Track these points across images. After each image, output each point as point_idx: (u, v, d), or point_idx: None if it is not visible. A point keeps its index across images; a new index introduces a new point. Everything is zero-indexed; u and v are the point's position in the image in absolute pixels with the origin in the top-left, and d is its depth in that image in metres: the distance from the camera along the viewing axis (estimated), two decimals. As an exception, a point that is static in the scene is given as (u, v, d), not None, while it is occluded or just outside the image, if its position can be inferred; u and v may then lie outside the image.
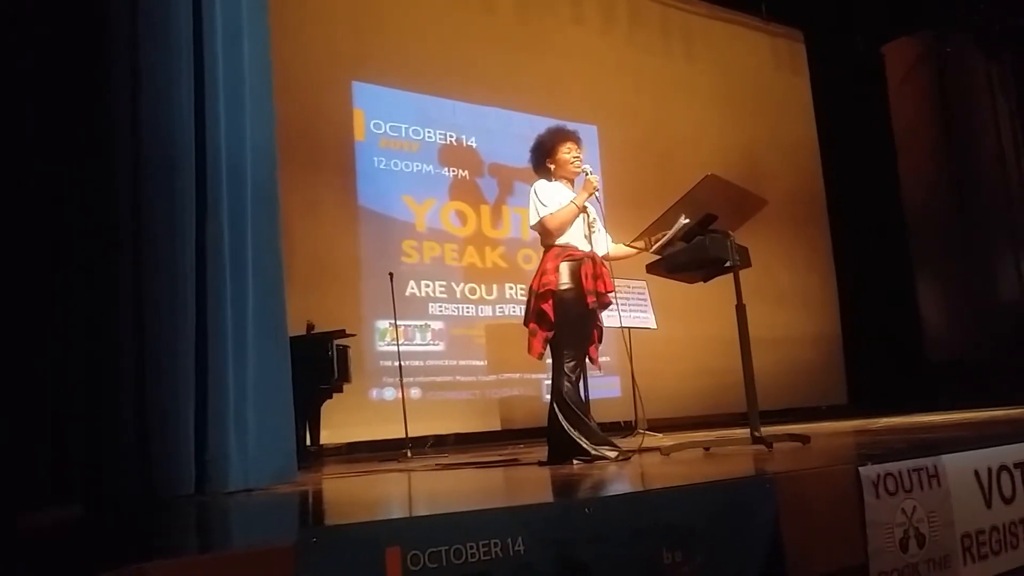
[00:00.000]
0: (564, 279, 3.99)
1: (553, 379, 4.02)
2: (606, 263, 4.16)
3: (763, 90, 11.10)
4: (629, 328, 7.49)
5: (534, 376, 8.39)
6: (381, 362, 7.49)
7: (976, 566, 2.84)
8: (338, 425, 6.75)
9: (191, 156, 3.61)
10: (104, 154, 3.51)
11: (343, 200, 7.67)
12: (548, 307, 3.96)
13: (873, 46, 11.41)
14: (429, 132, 8.19)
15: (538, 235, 4.28)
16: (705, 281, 4.28)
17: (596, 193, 4.14)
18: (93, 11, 3.60)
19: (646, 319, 7.59)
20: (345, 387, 6.39)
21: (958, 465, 2.93)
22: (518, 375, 8.14)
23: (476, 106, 8.48)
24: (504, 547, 1.94)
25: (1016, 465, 3.09)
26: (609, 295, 4.10)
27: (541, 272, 4.08)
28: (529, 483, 3.30)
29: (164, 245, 3.51)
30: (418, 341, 7.57)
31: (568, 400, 3.94)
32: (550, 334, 3.99)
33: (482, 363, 8.05)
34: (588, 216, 4.17)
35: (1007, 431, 4.00)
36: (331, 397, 6.29)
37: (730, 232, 4.07)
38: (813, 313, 10.89)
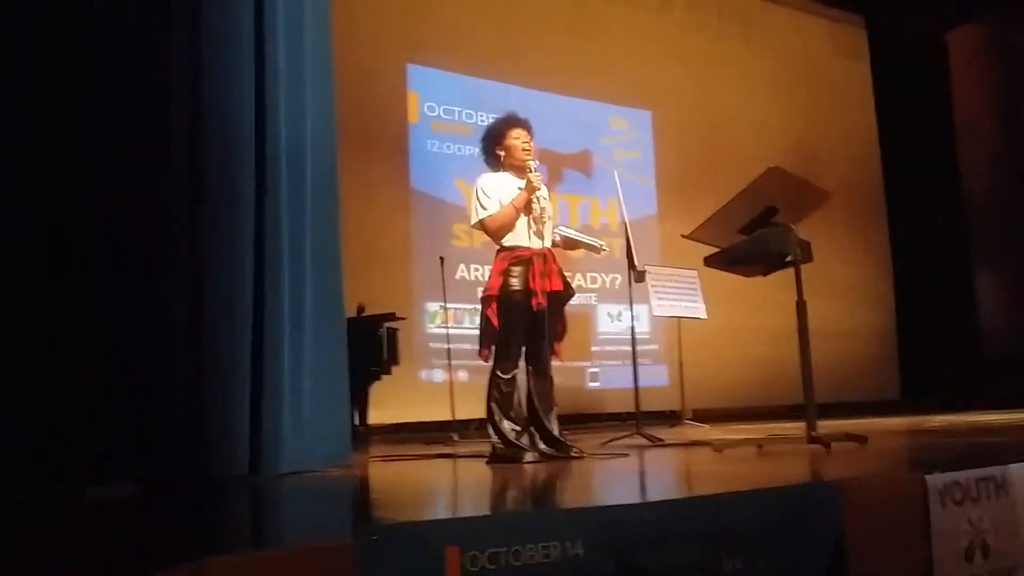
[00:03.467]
0: (511, 281, 3.89)
1: (489, 378, 3.97)
2: (555, 260, 4.04)
3: (821, 76, 10.87)
4: (679, 317, 7.45)
5: (578, 364, 8.37)
6: (430, 344, 7.52)
7: (1043, 578, 2.75)
8: (386, 406, 6.79)
9: (251, 140, 3.62)
10: (164, 139, 3.53)
11: (396, 183, 7.69)
12: (491, 312, 3.91)
13: (936, 33, 11.09)
14: (482, 115, 8.13)
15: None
16: (765, 275, 4.19)
17: (537, 195, 3.97)
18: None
19: (696, 309, 7.51)
20: (394, 369, 6.43)
21: (1026, 475, 2.84)
22: (561, 363, 8.07)
23: (529, 90, 8.41)
24: (563, 550, 1.91)
25: (1087, 476, 2.98)
26: (562, 292, 4.01)
27: (489, 276, 4.02)
28: (584, 478, 3.27)
29: (223, 228, 3.54)
30: (467, 324, 7.56)
31: (493, 399, 3.91)
32: (494, 337, 3.93)
33: (529, 348, 8.01)
34: (535, 210, 3.99)
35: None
36: (380, 379, 6.34)
37: (792, 225, 3.98)
38: (867, 306, 10.69)
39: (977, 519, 2.66)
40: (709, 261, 4.17)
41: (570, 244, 4.35)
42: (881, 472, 2.77)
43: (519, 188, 4.00)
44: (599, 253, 4.55)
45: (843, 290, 10.08)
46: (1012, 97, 10.60)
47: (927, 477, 2.57)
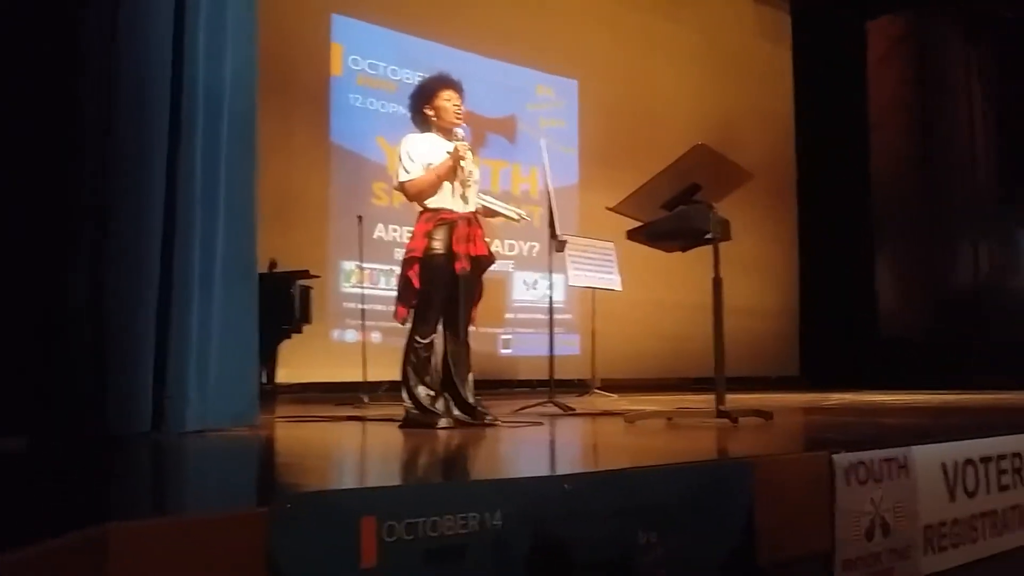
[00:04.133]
0: (434, 244, 3.82)
1: (406, 341, 3.93)
2: (480, 224, 4.01)
3: (745, 57, 11.02)
4: (594, 288, 7.50)
5: (492, 330, 8.36)
6: (344, 304, 7.39)
7: (936, 557, 2.87)
8: (296, 364, 6.66)
9: (167, 81, 3.43)
10: (74, 73, 3.32)
11: (315, 136, 7.48)
12: (413, 274, 3.83)
13: (857, 21, 11.36)
14: (407, 73, 7.97)
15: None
16: (683, 251, 4.23)
17: (462, 162, 3.90)
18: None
19: (612, 280, 7.57)
20: (305, 328, 6.29)
21: (927, 457, 2.94)
22: (474, 328, 8.06)
23: (458, 51, 8.25)
24: (482, 521, 1.88)
25: (982, 460, 3.12)
26: (485, 257, 3.96)
27: (411, 237, 3.93)
28: (497, 449, 3.25)
29: (132, 171, 3.36)
30: (383, 285, 7.45)
31: (409, 363, 3.86)
32: (414, 301, 3.88)
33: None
34: (461, 173, 3.92)
35: (972, 423, 4.05)
36: (290, 337, 6.20)
37: (713, 203, 4.01)
38: (773, 284, 10.98)
39: (879, 499, 2.75)
40: (632, 234, 4.17)
41: (489, 212, 4.27)
42: (789, 450, 2.82)
43: (447, 152, 3.91)
44: (518, 222, 4.50)
45: (750, 267, 10.29)
46: (924, 90, 10.96)
47: (834, 456, 2.63)
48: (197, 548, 1.55)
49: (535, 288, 8.74)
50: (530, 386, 8.10)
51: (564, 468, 2.76)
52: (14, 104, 3.29)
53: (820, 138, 11.11)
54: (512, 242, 8.74)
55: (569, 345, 8.70)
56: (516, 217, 4.37)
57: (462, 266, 3.82)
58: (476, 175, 4.06)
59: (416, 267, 3.83)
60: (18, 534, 1.49)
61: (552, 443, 3.46)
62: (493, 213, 4.30)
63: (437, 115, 3.99)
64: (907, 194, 10.94)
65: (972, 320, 10.24)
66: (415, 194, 3.91)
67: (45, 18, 3.34)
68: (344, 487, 2.15)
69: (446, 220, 3.87)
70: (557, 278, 7.71)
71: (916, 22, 10.98)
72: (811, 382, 10.10)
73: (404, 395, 3.89)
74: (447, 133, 3.98)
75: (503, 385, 8.30)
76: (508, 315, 8.70)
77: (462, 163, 3.92)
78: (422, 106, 4.02)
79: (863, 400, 6.48)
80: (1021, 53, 10.30)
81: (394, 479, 2.46)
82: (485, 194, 4.39)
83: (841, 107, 11.10)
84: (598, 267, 7.51)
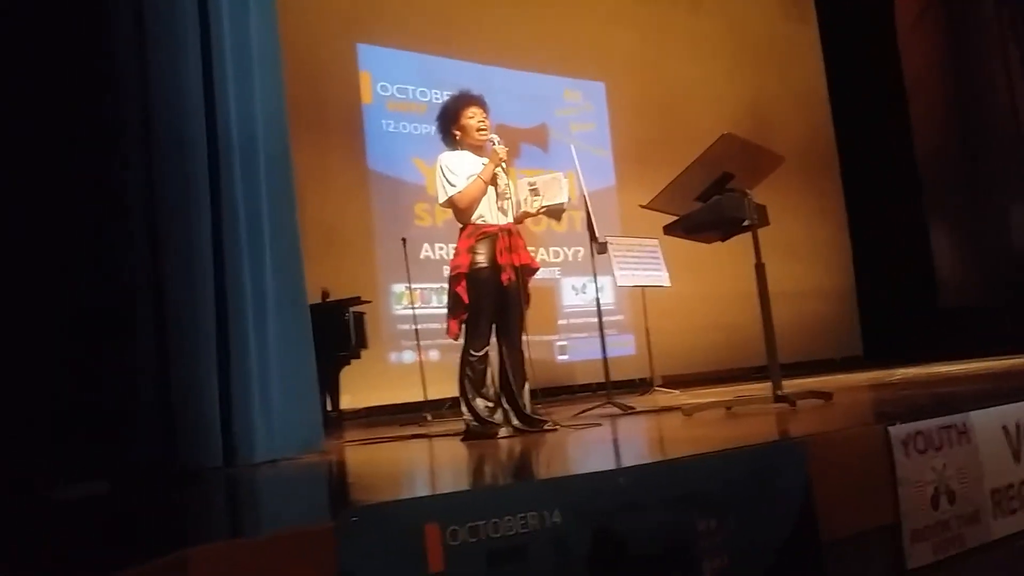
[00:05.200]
0: (478, 258, 3.90)
1: (461, 355, 3.99)
2: (521, 234, 4.07)
3: (770, 40, 10.94)
4: (643, 287, 7.51)
5: (547, 337, 8.42)
6: (399, 326, 7.51)
7: (1006, 520, 2.85)
8: (358, 390, 6.79)
9: (202, 131, 3.59)
10: (114, 132, 3.48)
11: (352, 165, 7.64)
12: (461, 289, 3.90)
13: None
14: (436, 93, 8.08)
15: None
16: (723, 240, 4.24)
17: (503, 165, 4.00)
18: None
19: (659, 277, 7.57)
20: (363, 352, 6.42)
21: (986, 421, 2.92)
22: (530, 337, 8.10)
23: (482, 66, 8.36)
24: (541, 519, 1.94)
25: (1044, 419, 3.08)
26: (529, 265, 4.03)
27: (455, 254, 4.01)
28: (559, 450, 3.31)
29: (180, 222, 3.51)
30: (434, 304, 7.56)
31: (466, 377, 3.93)
32: (465, 315, 3.94)
33: (497, 324, 8.04)
34: (498, 186, 4.01)
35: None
36: (349, 363, 6.33)
37: (747, 191, 4.03)
38: (826, 265, 10.85)
39: (941, 467, 2.74)
40: (668, 229, 4.20)
41: (535, 195, 4.17)
42: (844, 426, 2.83)
43: (482, 164, 4.00)
44: (562, 212, 4.35)
45: (802, 251, 10.23)
46: (958, 52, 10.75)
47: (890, 428, 2.64)
48: (271, 565, 1.64)
49: (584, 292, 8.77)
50: (590, 390, 8.13)
51: (620, 464, 2.80)
52: (64, 171, 3.47)
53: (858, 113, 10.97)
54: (557, 248, 8.80)
55: (624, 346, 8.72)
56: (559, 176, 4.24)
57: (508, 276, 3.90)
58: (512, 188, 4.13)
59: (463, 282, 3.91)
60: (107, 564, 1.60)
61: (609, 441, 3.50)
62: (538, 194, 4.18)
63: (463, 133, 4.08)
64: (953, 160, 10.73)
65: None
66: (465, 206, 3.98)
67: (80, 81, 3.51)
68: (407, 497, 2.22)
69: (488, 233, 3.95)
70: (605, 280, 7.76)
71: (942, -13, 10.80)
72: (875, 360, 9.94)
73: (463, 408, 3.97)
74: (476, 149, 4.07)
75: (563, 392, 8.33)
76: (561, 321, 8.74)
77: (499, 173, 4.00)
78: (449, 127, 4.12)
79: (927, 373, 6.38)
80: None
81: (455, 487, 2.53)
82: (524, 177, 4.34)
83: (876, 79, 10.94)
84: (645, 265, 7.51)
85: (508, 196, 4.06)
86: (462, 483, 2.65)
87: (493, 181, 3.99)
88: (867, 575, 2.51)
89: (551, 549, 1.94)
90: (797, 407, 3.81)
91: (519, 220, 4.19)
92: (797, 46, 11.31)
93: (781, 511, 2.32)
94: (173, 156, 3.55)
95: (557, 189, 4.19)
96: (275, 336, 3.75)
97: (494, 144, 4.01)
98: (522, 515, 1.92)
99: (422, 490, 2.65)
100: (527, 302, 4.12)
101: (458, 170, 3.99)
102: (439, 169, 4.03)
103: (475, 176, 3.95)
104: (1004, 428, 2.97)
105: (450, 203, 4.02)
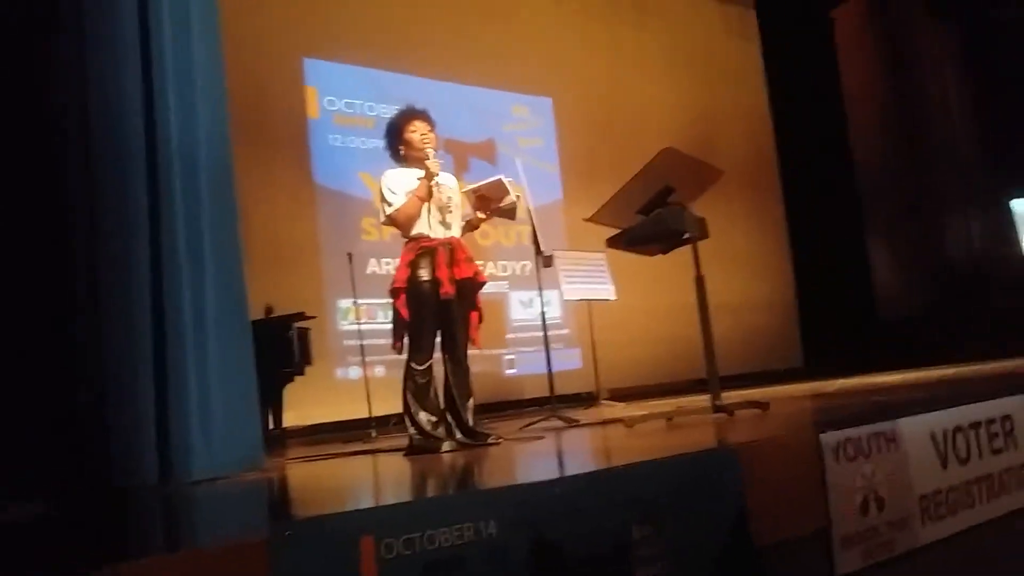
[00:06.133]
0: (419, 272, 3.92)
1: (404, 369, 4.01)
2: (465, 247, 4.08)
3: (715, 58, 11.14)
4: (589, 300, 7.57)
5: (495, 352, 8.43)
6: (345, 341, 7.45)
7: (934, 526, 2.93)
8: (302, 407, 6.71)
9: (142, 143, 3.56)
10: (53, 147, 3.44)
11: (299, 179, 7.58)
12: (400, 304, 3.94)
13: (822, 11, 11.51)
14: (384, 107, 8.07)
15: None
16: (664, 253, 4.32)
17: (436, 179, 4.00)
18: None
19: (606, 290, 7.64)
20: (308, 369, 6.36)
21: (915, 428, 3.01)
22: (478, 351, 8.12)
23: (430, 80, 8.37)
24: (477, 531, 1.96)
25: (971, 425, 3.19)
26: (472, 279, 4.04)
27: (397, 268, 4.03)
28: (500, 463, 3.32)
29: (118, 236, 3.47)
30: (381, 320, 7.52)
31: (408, 390, 3.95)
32: (406, 329, 3.97)
33: (444, 339, 8.03)
34: (440, 198, 4.03)
35: (961, 391, 4.11)
36: (293, 380, 6.27)
37: (687, 204, 4.11)
38: (767, 278, 11.03)
39: (870, 473, 2.81)
40: (611, 242, 4.27)
41: (480, 204, 4.19)
42: (777, 434, 2.89)
43: (416, 179, 4.01)
44: (513, 207, 4.29)
45: (743, 264, 10.40)
46: (895, 69, 11.08)
47: (821, 435, 2.70)
48: (203, 580, 1.63)
49: (531, 306, 8.81)
50: (537, 404, 8.14)
51: (556, 474, 2.83)
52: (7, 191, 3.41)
53: (798, 128, 11.20)
54: (505, 263, 8.83)
55: (570, 359, 8.77)
56: (503, 181, 4.21)
57: (446, 291, 3.91)
58: (456, 199, 4.15)
59: (402, 297, 3.93)
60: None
61: (549, 453, 3.53)
62: (486, 204, 4.20)
63: (407, 148, 4.10)
64: (892, 174, 11.04)
65: (971, 292, 10.28)
66: (404, 222, 4.01)
67: (16, 89, 3.47)
68: (342, 511, 2.22)
69: (427, 247, 3.96)
70: (552, 294, 7.81)
71: (879, 4, 11.13)
72: (815, 372, 10.14)
73: (407, 422, 3.97)
74: (421, 164, 4.07)
75: (511, 406, 8.33)
76: (509, 335, 8.76)
77: (439, 185, 4.02)
78: (395, 142, 4.13)
79: (863, 383, 6.53)
80: (988, 21, 10.41)
81: (393, 500, 2.53)
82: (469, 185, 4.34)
83: (816, 96, 11.21)
84: (591, 278, 7.57)
85: (451, 209, 4.08)
86: (401, 497, 2.65)
87: (430, 195, 4.00)
88: (798, 581, 2.56)
89: (488, 560, 1.96)
90: (735, 417, 3.88)
91: (472, 228, 4.21)
92: (740, 62, 11.53)
93: (715, 517, 2.37)
94: (111, 170, 3.51)
95: (502, 190, 4.20)
96: (215, 352, 3.71)
97: (429, 158, 4.01)
98: (458, 527, 1.94)
99: (360, 504, 2.64)
100: (480, 316, 4.13)
101: (397, 188, 4.01)
102: (381, 187, 4.05)
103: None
104: (932, 435, 3.06)
105: (390, 221, 4.04)
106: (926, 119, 10.91)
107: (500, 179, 4.23)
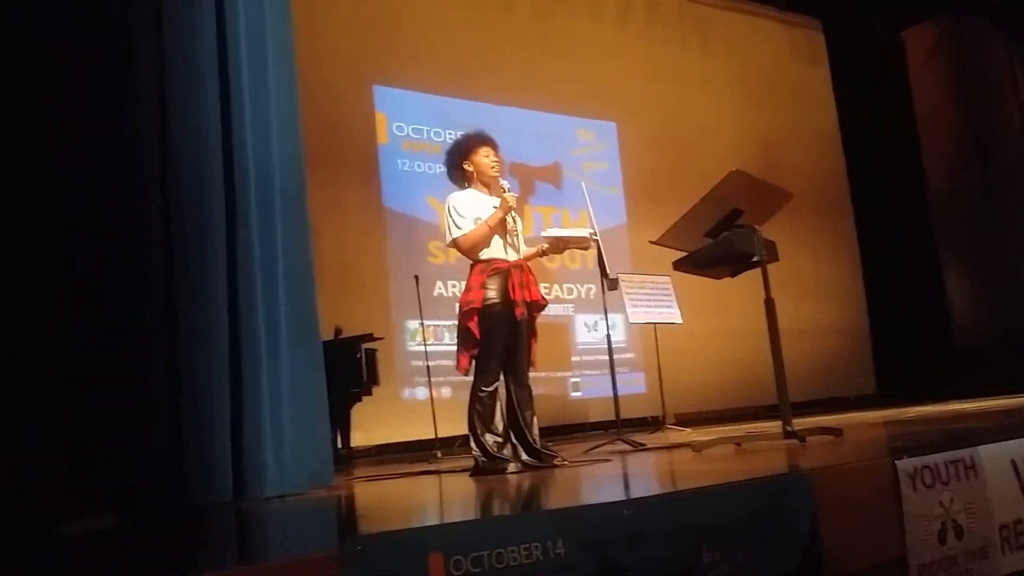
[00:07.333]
0: (490, 294, 3.94)
1: (471, 392, 4.02)
2: (531, 271, 4.12)
3: (781, 80, 11.03)
4: (655, 323, 7.52)
5: (560, 374, 8.43)
6: (412, 362, 7.53)
7: (1015, 556, 2.82)
8: (369, 427, 6.80)
9: (219, 168, 3.67)
10: (132, 168, 3.57)
11: (368, 203, 7.73)
12: (473, 324, 3.94)
13: (893, 33, 11.31)
14: (450, 133, 8.18)
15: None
16: (732, 276, 4.27)
17: (513, 212, 4.08)
18: (118, 30, 3.66)
19: (671, 314, 7.58)
20: (376, 389, 6.44)
21: (994, 455, 2.91)
22: (544, 373, 8.15)
23: (495, 106, 8.48)
24: (544, 550, 1.95)
25: (1053, 454, 3.07)
26: (539, 302, 4.07)
27: (466, 289, 4.04)
28: (566, 484, 3.32)
29: (194, 257, 3.58)
30: (447, 341, 7.59)
31: (475, 412, 3.96)
32: (476, 351, 3.97)
33: (510, 361, 8.06)
34: (508, 225, 4.09)
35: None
36: (361, 400, 6.35)
37: (756, 227, 4.06)
38: (839, 303, 10.82)
39: (948, 501, 2.73)
40: (678, 265, 4.24)
41: (559, 245, 4.30)
42: (852, 460, 2.82)
43: (493, 207, 4.06)
44: (589, 246, 4.50)
45: (814, 289, 10.22)
46: (969, 90, 10.82)
47: (897, 462, 2.63)
48: (277, 592, 1.66)
49: (596, 329, 8.78)
50: (601, 428, 8.10)
51: (624, 496, 2.81)
52: (82, 204, 3.55)
53: (870, 152, 11.01)
54: (570, 286, 8.83)
55: (635, 383, 8.70)
56: (587, 239, 4.38)
57: (521, 312, 3.94)
58: (520, 224, 4.19)
59: (475, 318, 3.95)
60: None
61: (618, 476, 3.51)
62: (565, 244, 4.33)
63: (477, 170, 4.15)
64: (965, 198, 10.74)
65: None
66: (469, 248, 4.05)
67: (102, 105, 3.61)
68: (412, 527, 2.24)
69: (500, 269, 4.00)
70: (618, 317, 7.77)
71: (952, 27, 10.90)
72: (889, 399, 9.87)
73: (472, 444, 3.99)
74: (486, 188, 4.13)
75: (575, 429, 8.31)
76: (574, 358, 8.75)
77: (513, 217, 4.07)
78: (461, 162, 4.19)
79: (940, 410, 6.34)
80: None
81: (459, 518, 2.54)
82: (551, 228, 4.47)
83: (887, 119, 11.00)
84: (656, 302, 7.53)
85: (516, 232, 4.13)
86: (469, 515, 2.66)
87: (501, 226, 4.04)
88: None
89: (555, 580, 1.95)
90: (807, 443, 3.80)
91: (541, 255, 4.25)
92: (808, 86, 11.40)
93: (786, 543, 2.32)
94: (190, 196, 3.62)
95: (585, 243, 4.39)
96: (287, 371, 3.79)
97: (505, 191, 4.07)
98: (526, 546, 1.94)
99: (428, 521, 2.66)
100: (534, 337, 4.16)
101: (465, 212, 4.05)
102: (448, 209, 4.09)
103: (482, 220, 4.01)
104: (1013, 463, 2.96)
105: (455, 244, 4.08)
106: (1001, 142, 10.61)
107: (587, 236, 4.35)
